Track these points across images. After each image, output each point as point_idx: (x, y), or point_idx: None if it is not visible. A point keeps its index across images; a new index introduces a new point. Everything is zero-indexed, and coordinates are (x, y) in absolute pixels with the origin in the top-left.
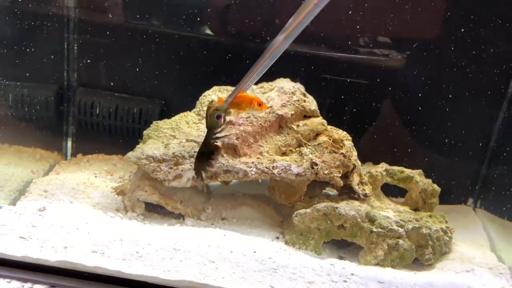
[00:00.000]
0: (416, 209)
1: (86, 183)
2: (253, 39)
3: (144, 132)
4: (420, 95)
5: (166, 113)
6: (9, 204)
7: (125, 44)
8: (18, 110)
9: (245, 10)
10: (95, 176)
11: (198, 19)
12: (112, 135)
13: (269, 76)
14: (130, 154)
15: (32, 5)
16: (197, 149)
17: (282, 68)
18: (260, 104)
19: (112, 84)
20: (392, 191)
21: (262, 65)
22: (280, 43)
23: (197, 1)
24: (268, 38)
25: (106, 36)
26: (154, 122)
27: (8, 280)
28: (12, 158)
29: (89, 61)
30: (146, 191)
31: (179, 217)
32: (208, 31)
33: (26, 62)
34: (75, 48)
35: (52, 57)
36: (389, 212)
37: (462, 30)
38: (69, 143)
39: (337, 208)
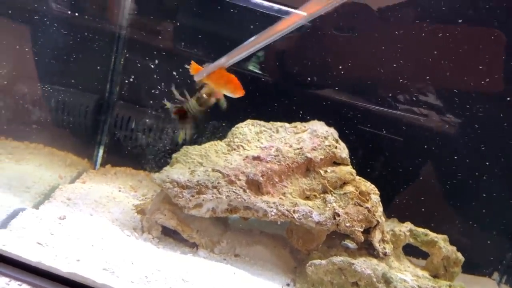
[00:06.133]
0: (436, 276)
1: (109, 196)
2: (298, 82)
3: (173, 155)
4: (458, 161)
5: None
6: (33, 207)
7: (168, 67)
8: (58, 114)
9: (299, 54)
10: (119, 191)
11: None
12: (143, 151)
13: (303, 117)
14: (156, 175)
15: (87, 19)
16: (221, 180)
17: (317, 111)
18: (236, 88)
19: (150, 102)
20: (413, 251)
21: (246, 51)
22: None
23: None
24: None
25: (152, 57)
26: (184, 146)
27: (19, 283)
28: (43, 160)
29: (132, 77)
30: (165, 214)
31: (193, 246)
32: (251, 67)
33: (73, 70)
34: (121, 63)
35: (98, 68)
36: (407, 275)
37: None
38: (101, 153)
39: (353, 264)
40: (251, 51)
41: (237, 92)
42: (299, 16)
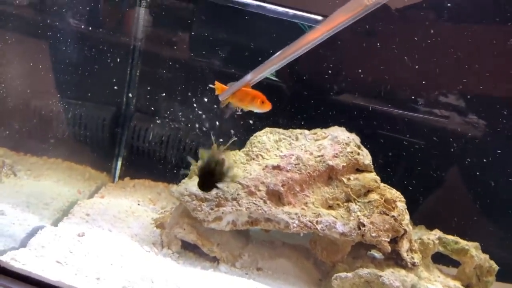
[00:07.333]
0: (468, 286)
1: (128, 211)
2: (315, 89)
3: (191, 167)
4: (487, 163)
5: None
6: (52, 224)
7: (185, 77)
8: (76, 128)
9: (315, 62)
10: (138, 204)
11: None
12: (161, 162)
13: (324, 123)
14: (174, 188)
15: (102, 33)
16: (240, 192)
17: (336, 117)
18: (263, 102)
19: (168, 113)
20: (443, 258)
21: (272, 66)
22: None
23: (265, 46)
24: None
25: (168, 68)
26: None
27: None
28: (62, 175)
29: (148, 89)
30: (184, 229)
31: (214, 260)
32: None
33: (90, 83)
34: (137, 75)
35: (114, 80)
36: (437, 285)
37: None
38: (119, 165)
39: (381, 276)
40: (277, 66)
41: (264, 106)
42: (326, 28)
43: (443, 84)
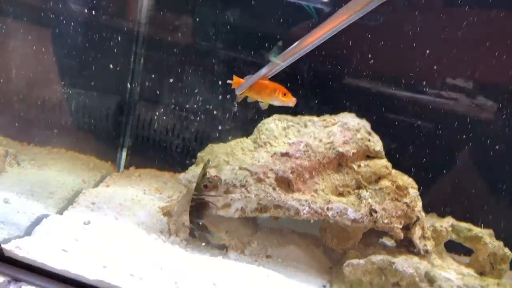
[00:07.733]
0: (482, 274)
1: (134, 199)
2: (322, 75)
3: (198, 154)
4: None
5: (224, 137)
6: (57, 213)
7: (190, 64)
8: (79, 117)
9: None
10: (144, 193)
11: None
12: (167, 151)
13: (333, 109)
14: (181, 175)
15: (105, 18)
16: (249, 179)
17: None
18: (285, 94)
19: (173, 101)
20: (456, 246)
21: (288, 59)
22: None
23: (269, 30)
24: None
25: (172, 54)
26: (209, 145)
27: None
28: (66, 165)
29: (153, 76)
30: None
31: (223, 247)
32: (273, 59)
33: (92, 71)
34: (141, 62)
35: (118, 69)
36: (451, 273)
37: None
38: (124, 155)
39: (394, 263)
40: (292, 59)
41: (289, 101)
42: (340, 19)
43: (454, 68)
